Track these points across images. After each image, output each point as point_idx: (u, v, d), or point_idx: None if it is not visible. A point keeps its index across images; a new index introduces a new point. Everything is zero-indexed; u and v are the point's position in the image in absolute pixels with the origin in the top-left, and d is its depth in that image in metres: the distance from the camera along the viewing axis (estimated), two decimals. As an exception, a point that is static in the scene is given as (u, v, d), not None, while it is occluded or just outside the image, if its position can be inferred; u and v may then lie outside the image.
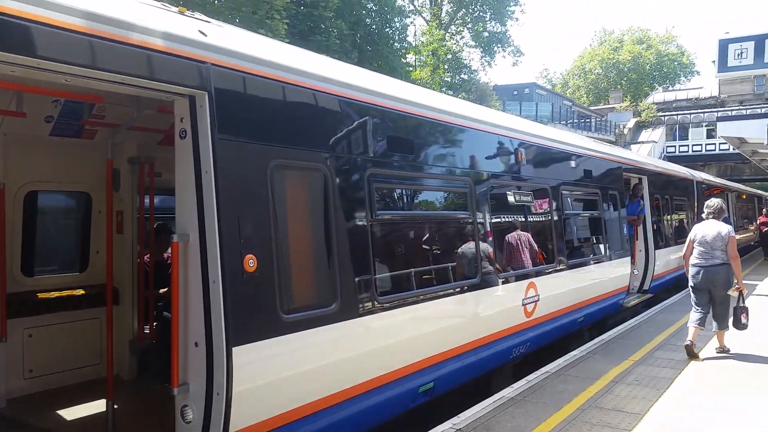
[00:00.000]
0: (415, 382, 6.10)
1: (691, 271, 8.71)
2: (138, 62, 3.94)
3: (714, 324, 8.72)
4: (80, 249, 6.98)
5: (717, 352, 8.73)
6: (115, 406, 5.33)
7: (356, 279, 5.41)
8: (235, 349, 4.21)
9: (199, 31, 4.47)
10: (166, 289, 6.86)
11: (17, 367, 6.14)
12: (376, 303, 5.59)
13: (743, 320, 8.54)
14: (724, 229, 8.51)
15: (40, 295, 6.40)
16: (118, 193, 6.65)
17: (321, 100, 5.33)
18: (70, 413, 5.82)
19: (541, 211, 9.39)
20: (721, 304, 8.61)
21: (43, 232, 6.75)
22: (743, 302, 8.61)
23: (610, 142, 41.21)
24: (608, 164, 12.25)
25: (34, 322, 6.27)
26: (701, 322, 8.61)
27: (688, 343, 8.54)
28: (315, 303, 5.11)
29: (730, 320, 8.64)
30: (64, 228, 7.24)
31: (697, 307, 8.69)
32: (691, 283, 8.78)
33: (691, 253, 8.72)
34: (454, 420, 6.08)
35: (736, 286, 8.49)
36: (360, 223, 5.58)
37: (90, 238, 6.92)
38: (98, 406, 5.89)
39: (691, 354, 8.49)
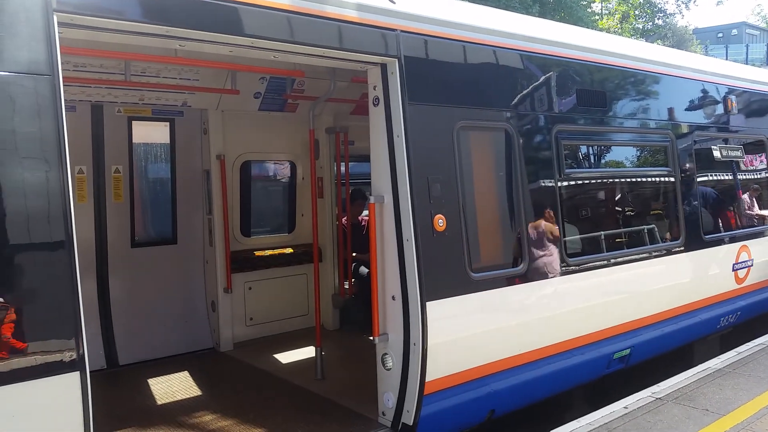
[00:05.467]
0: (609, 347, 5.88)
1: None
2: (335, 34, 4.21)
3: None
4: (288, 212, 7.74)
5: None
6: (323, 353, 5.90)
7: (544, 240, 5.32)
8: (428, 304, 4.41)
9: None
10: (354, 254, 7.39)
11: (241, 315, 7.07)
12: (565, 265, 5.45)
13: None
14: None
15: (257, 253, 7.25)
16: (318, 161, 7.22)
17: (503, 56, 5.25)
18: (284, 357, 6.58)
19: (755, 166, 8.33)
20: None
21: (257, 198, 7.58)
22: None
23: None
24: None
25: (252, 277, 7.14)
26: None
27: None
28: (502, 263, 5.15)
29: None
30: (273, 194, 8.07)
31: None
32: None
33: None
34: (654, 389, 5.77)
35: None
36: (548, 182, 5.45)
37: (296, 202, 7.64)
38: (307, 352, 6.58)
39: None
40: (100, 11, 3.31)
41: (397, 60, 4.46)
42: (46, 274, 3.07)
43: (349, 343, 7.10)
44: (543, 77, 5.54)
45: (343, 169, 7.44)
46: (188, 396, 5.55)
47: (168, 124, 6.72)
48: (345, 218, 7.52)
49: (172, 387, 5.75)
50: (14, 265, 3.01)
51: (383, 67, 4.52)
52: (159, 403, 5.40)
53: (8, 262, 2.98)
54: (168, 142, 6.76)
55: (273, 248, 7.40)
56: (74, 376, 3.07)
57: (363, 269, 7.55)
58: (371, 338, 4.64)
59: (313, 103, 6.25)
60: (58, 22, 3.15)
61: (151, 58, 5.09)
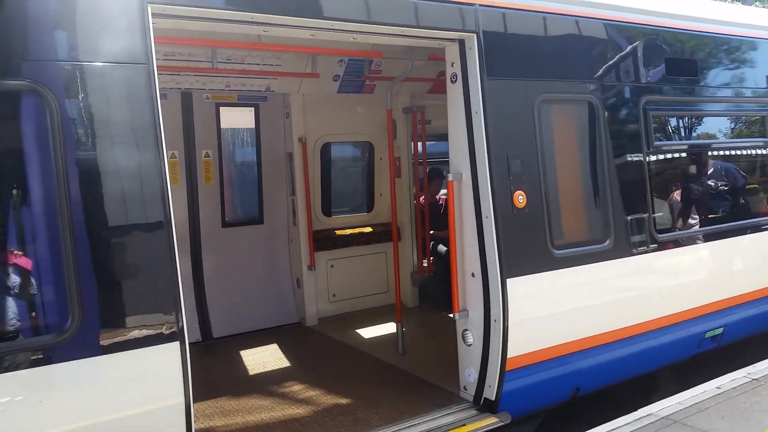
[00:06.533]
0: (701, 326, 5.65)
1: None
2: (413, 12, 4.22)
3: None
4: (366, 192, 7.88)
5: None
6: (403, 329, 6.01)
7: (632, 215, 5.14)
8: (509, 281, 4.40)
9: None
10: (432, 232, 7.43)
11: (324, 291, 7.31)
12: (654, 241, 5.27)
13: None
14: None
15: (337, 232, 7.45)
16: (395, 141, 7.29)
17: (585, 26, 5.08)
18: (366, 333, 6.76)
19: None
20: None
21: (337, 179, 7.76)
22: None
23: None
24: None
25: (334, 255, 7.35)
26: None
27: None
28: (587, 239, 5.03)
29: None
30: (352, 174, 8.23)
31: None
32: None
33: None
34: (750, 369, 5.49)
35: None
36: (635, 155, 5.26)
37: (374, 182, 7.76)
38: (387, 328, 6.72)
39: None
40: (191, 0, 3.48)
41: (475, 35, 4.41)
42: (148, 252, 3.28)
43: (428, 319, 7.18)
44: (628, 46, 5.32)
45: (420, 148, 7.46)
46: (278, 367, 5.83)
47: (253, 109, 6.98)
48: (423, 197, 7.57)
49: (263, 359, 6.05)
50: (121, 245, 3.24)
51: (461, 43, 4.49)
52: (251, 373, 5.71)
53: (116, 242, 3.22)
54: (253, 126, 7.03)
55: (353, 227, 7.57)
56: (175, 346, 3.30)
57: (441, 247, 7.59)
58: (451, 315, 4.69)
59: (391, 83, 6.30)
60: (152, 13, 3.33)
61: (236, 44, 5.30)
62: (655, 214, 5.35)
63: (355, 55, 6.20)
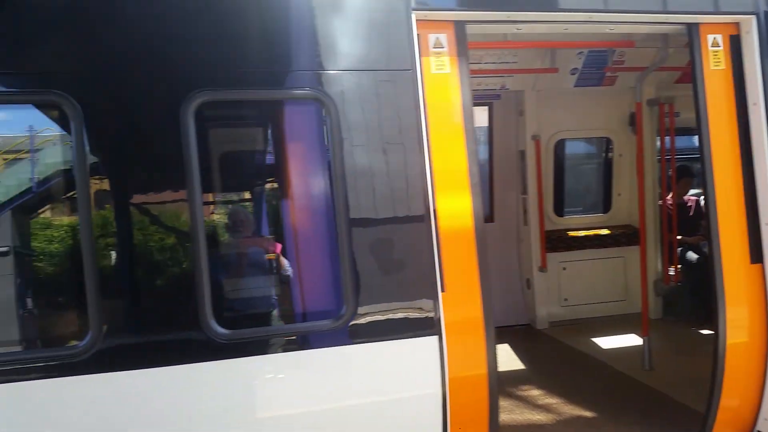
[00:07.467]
0: None
1: None
2: None
3: None
4: (603, 191, 7.41)
5: None
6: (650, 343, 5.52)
7: None
8: None
9: None
10: (680, 237, 6.72)
11: (555, 295, 7.05)
12: None
13: None
14: None
15: (570, 233, 7.12)
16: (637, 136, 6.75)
17: None
18: (604, 342, 6.34)
19: None
20: None
21: (571, 177, 7.42)
22: None
23: None
24: None
25: (566, 257, 7.05)
26: None
27: None
28: None
29: None
30: (587, 172, 7.80)
31: None
32: None
33: None
34: None
35: None
36: None
37: (612, 180, 7.27)
38: (626, 339, 6.26)
39: None
40: (449, 5, 3.52)
41: (755, 17, 3.87)
42: (416, 248, 3.32)
43: (676, 334, 6.50)
44: None
45: (667, 143, 6.79)
46: (512, 368, 5.76)
47: (487, 107, 6.98)
48: (669, 198, 6.88)
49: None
50: (391, 240, 3.34)
51: (736, 27, 3.96)
52: None
53: (388, 237, 3.33)
54: (486, 124, 7.03)
55: (587, 229, 7.19)
56: (434, 338, 3.35)
57: (691, 254, 6.85)
58: (706, 332, 4.16)
59: (642, 74, 5.81)
60: (416, 20, 3.40)
61: (486, 44, 5.29)
62: None
63: (602, 47, 5.83)
